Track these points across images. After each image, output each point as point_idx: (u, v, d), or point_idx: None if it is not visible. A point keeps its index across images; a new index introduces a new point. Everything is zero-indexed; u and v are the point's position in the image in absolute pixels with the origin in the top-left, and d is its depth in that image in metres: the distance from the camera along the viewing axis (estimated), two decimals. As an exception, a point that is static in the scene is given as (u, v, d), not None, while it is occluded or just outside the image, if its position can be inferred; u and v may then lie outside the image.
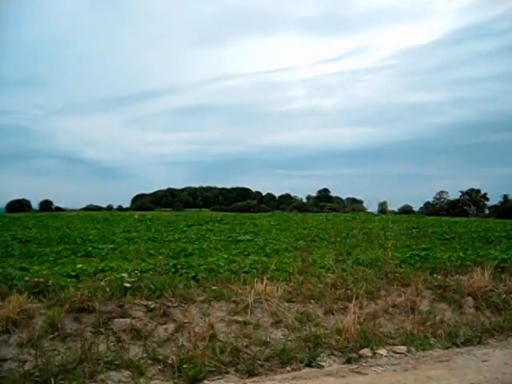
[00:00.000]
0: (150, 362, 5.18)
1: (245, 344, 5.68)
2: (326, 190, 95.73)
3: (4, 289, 6.75)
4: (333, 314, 6.79)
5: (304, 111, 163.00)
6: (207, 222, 28.92)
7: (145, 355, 5.26)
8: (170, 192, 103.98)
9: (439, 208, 74.79)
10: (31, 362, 4.87)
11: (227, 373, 5.14)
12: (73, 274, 8.92)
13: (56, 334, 5.40)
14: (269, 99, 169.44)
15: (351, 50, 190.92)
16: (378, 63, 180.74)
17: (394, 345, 6.31)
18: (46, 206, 71.90)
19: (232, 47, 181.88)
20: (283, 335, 6.05)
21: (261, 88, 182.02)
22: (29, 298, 6.15)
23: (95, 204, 77.91)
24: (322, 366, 5.54)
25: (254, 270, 9.13)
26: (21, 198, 73.63)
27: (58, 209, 69.72)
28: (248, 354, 5.52)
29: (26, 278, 7.27)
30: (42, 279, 6.99)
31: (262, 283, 7.02)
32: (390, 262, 8.89)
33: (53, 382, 4.58)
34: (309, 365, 5.52)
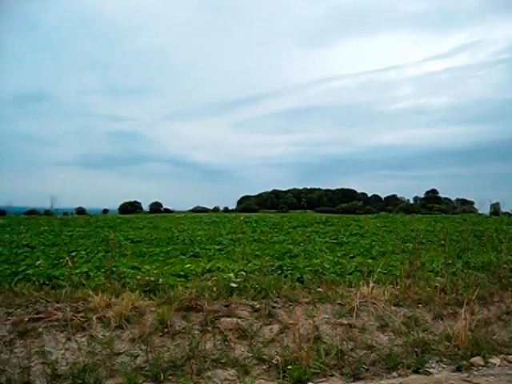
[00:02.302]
0: (255, 361, 5.23)
1: (350, 347, 5.60)
2: (434, 191, 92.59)
3: (118, 287, 7.07)
4: (442, 320, 6.54)
5: (411, 110, 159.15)
6: (312, 223, 28.83)
7: (250, 355, 5.31)
8: (275, 194, 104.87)
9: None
10: (142, 357, 5.07)
11: (332, 375, 5.09)
12: (181, 273, 9.21)
13: (165, 331, 5.59)
14: (375, 99, 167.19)
15: (461, 46, 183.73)
16: (491, 58, 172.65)
17: (508, 354, 5.96)
18: (156, 207, 74.64)
19: (338, 48, 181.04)
20: (389, 339, 5.91)
21: (367, 88, 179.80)
22: (140, 295, 6.41)
23: (202, 206, 79.94)
24: (431, 373, 5.34)
25: (360, 273, 9.01)
26: (132, 200, 77.00)
27: (167, 210, 72.14)
28: (353, 357, 5.44)
29: (138, 277, 7.58)
30: (152, 278, 7.27)
31: (368, 286, 6.90)
32: (505, 266, 8.45)
33: (162, 376, 4.74)
34: (416, 371, 5.34)
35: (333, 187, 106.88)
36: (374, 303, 6.59)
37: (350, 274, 9.01)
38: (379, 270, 8.13)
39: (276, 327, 5.91)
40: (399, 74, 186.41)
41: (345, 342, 5.63)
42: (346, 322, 6.15)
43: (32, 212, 58.40)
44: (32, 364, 4.86)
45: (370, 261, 11.33)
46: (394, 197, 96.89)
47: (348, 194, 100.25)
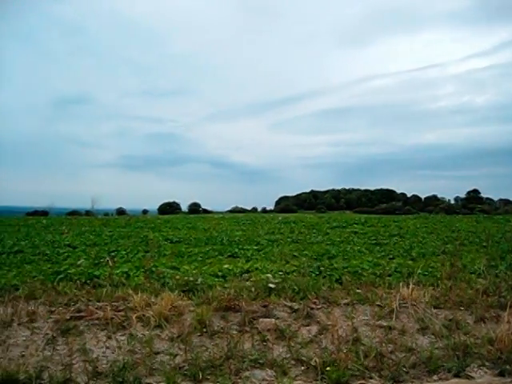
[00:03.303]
0: (293, 362, 5.21)
1: (389, 349, 5.53)
2: (475, 191, 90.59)
3: (157, 286, 7.16)
4: (484, 323, 6.39)
5: (453, 109, 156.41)
6: (350, 224, 28.65)
7: (288, 355, 5.30)
8: (313, 194, 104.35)
9: None
10: (181, 356, 5.10)
11: (371, 378, 5.03)
12: (220, 273, 9.26)
13: (204, 330, 5.63)
14: (416, 98, 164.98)
15: (506, 42, 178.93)
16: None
17: (554, 359, 5.81)
18: (195, 208, 74.97)
19: (378, 47, 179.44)
20: (430, 342, 5.81)
21: (407, 87, 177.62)
22: (179, 295, 6.48)
23: (240, 206, 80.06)
24: (472, 377, 5.22)
25: (399, 274, 8.91)
26: (171, 200, 77.63)
27: (206, 211, 72.44)
28: (393, 359, 5.37)
29: (177, 277, 7.67)
30: (191, 278, 7.34)
31: (408, 287, 6.82)
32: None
33: (201, 376, 4.76)
34: (457, 375, 5.23)
35: (372, 187, 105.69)
36: (414, 305, 6.50)
37: (389, 275, 8.91)
38: (419, 271, 8.05)
39: (314, 328, 5.89)
40: (440, 72, 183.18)
41: (384, 344, 5.56)
42: (385, 323, 6.09)
43: (73, 213, 59.51)
44: (74, 361, 4.95)
45: (409, 262, 11.21)
46: (434, 197, 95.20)
47: (387, 195, 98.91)
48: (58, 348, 5.23)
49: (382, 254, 13.74)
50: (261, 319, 5.94)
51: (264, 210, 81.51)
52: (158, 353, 5.20)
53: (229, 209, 77.99)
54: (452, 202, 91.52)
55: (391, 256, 13.18)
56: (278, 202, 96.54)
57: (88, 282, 8.19)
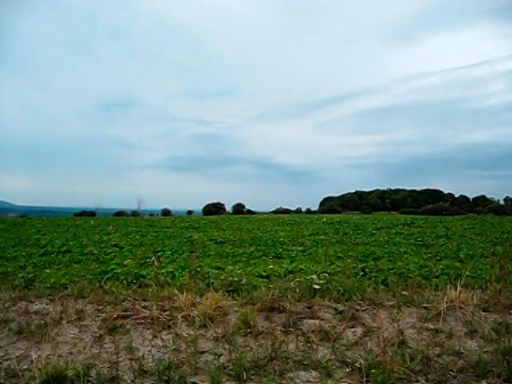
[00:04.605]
0: (337, 364, 5.17)
1: (436, 353, 5.43)
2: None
3: (202, 286, 7.22)
4: (536, 327, 6.23)
5: (504, 106, 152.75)
6: (396, 225, 28.36)
7: (333, 357, 5.26)
8: (358, 195, 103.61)
9: None
10: (225, 356, 5.13)
11: (417, 381, 4.95)
12: (264, 274, 9.29)
13: (248, 331, 5.64)
14: (464, 96, 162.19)
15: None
16: None
17: None
18: (239, 208, 75.36)
19: (424, 44, 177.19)
20: (478, 346, 5.67)
21: (455, 85, 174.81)
22: (224, 295, 6.51)
23: (284, 207, 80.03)
24: (523, 383, 5.10)
25: (447, 276, 8.76)
26: (216, 201, 78.25)
27: (250, 212, 72.74)
28: (439, 363, 5.27)
29: (222, 277, 7.72)
30: (235, 278, 7.37)
31: (456, 290, 6.68)
32: None
33: (245, 376, 4.78)
34: (507, 380, 5.09)
35: (418, 188, 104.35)
36: (461, 308, 6.37)
37: (436, 277, 8.77)
38: (467, 273, 7.86)
39: (359, 330, 5.84)
40: (489, 69, 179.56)
41: (431, 348, 5.47)
42: (432, 326, 5.98)
43: (120, 213, 60.74)
44: (120, 359, 5.04)
45: (457, 264, 11.02)
46: (482, 197, 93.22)
47: (434, 195, 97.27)
48: (105, 346, 5.34)
49: (429, 255, 13.56)
50: (305, 320, 5.92)
51: (308, 211, 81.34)
52: (202, 352, 5.25)
53: (273, 209, 78.15)
54: (501, 202, 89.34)
55: (438, 257, 12.97)
56: (322, 203, 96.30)
57: (134, 281, 8.35)
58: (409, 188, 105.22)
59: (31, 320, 5.92)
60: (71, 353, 5.20)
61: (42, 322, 5.83)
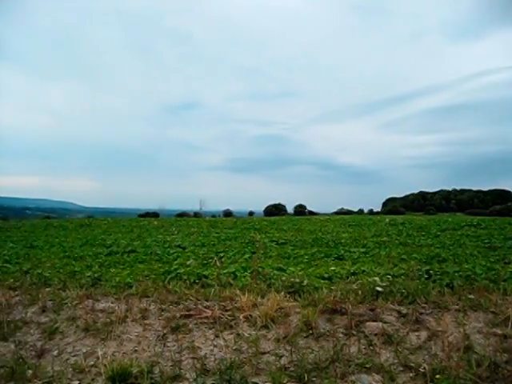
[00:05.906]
0: (401, 368, 5.07)
1: (504, 359, 5.24)
2: None
3: (263, 287, 7.24)
4: None
5: None
6: (462, 226, 27.59)
7: (396, 361, 5.16)
8: (422, 195, 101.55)
9: None
10: (287, 357, 5.12)
11: (485, 388, 4.81)
12: (326, 275, 9.23)
13: (310, 332, 5.61)
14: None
15: None
16: None
17: None
18: (300, 209, 75.09)
19: (490, 41, 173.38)
20: (550, 353, 5.46)
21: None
22: (285, 296, 6.50)
23: (346, 208, 79.26)
24: None
25: (516, 280, 8.47)
26: (277, 202, 78.30)
27: (311, 213, 72.40)
28: (508, 370, 5.08)
29: (283, 278, 7.71)
30: (297, 280, 7.35)
31: (526, 294, 6.45)
32: None
33: (306, 378, 4.75)
34: None
35: (485, 188, 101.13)
36: (532, 313, 6.14)
37: (504, 280, 8.47)
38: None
39: (423, 334, 5.70)
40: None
41: (499, 354, 5.28)
42: (500, 331, 5.77)
43: (183, 214, 61.71)
44: (183, 358, 5.11)
45: (527, 267, 10.60)
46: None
47: (502, 195, 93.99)
48: (169, 345, 5.43)
49: (497, 257, 13.10)
50: (368, 323, 5.84)
51: (371, 212, 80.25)
52: (264, 353, 5.25)
53: (334, 210, 77.56)
54: None
55: (507, 260, 12.53)
56: (385, 204, 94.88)
57: (197, 281, 8.44)
58: (475, 188, 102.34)
59: (97, 318, 6.10)
60: (135, 350, 5.32)
61: (108, 319, 5.99)
